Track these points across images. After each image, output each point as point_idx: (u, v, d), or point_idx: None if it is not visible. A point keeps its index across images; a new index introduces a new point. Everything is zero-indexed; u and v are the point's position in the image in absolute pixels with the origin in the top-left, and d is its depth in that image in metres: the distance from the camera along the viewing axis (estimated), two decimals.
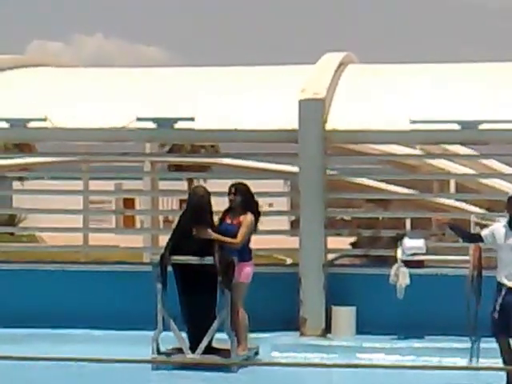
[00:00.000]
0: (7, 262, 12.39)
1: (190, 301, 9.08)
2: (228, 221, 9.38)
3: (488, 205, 12.78)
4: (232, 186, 9.49)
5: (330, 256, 11.69)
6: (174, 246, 9.19)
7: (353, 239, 19.99)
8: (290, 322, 10.13)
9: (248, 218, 9.30)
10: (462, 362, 9.08)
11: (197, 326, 9.09)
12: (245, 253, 9.35)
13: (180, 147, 19.66)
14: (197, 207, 9.12)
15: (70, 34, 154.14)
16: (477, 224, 10.10)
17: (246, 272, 9.30)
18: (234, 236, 9.22)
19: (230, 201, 9.44)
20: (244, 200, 9.35)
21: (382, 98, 11.10)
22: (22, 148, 14.48)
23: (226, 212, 9.47)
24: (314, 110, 10.35)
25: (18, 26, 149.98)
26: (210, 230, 9.10)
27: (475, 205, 12.76)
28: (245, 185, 9.53)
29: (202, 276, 9.05)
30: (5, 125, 10.92)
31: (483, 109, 10.49)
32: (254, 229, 9.39)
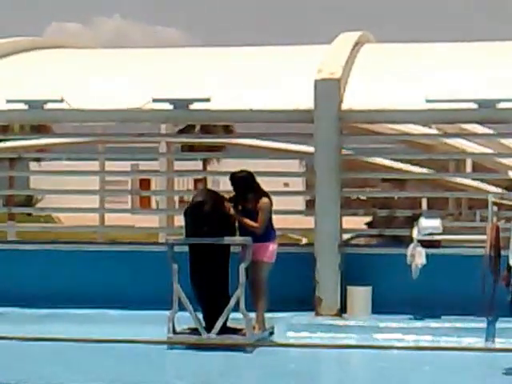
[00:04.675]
0: (24, 242, 12.47)
1: (202, 280, 9.11)
2: (247, 205, 9.38)
3: (506, 184, 12.72)
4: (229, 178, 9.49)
5: (346, 236, 11.68)
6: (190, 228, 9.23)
7: (368, 219, 19.97)
8: (306, 301, 10.13)
9: (263, 201, 9.31)
10: (479, 341, 9.07)
11: (210, 306, 9.11)
12: (267, 232, 9.36)
13: (193, 127, 19.63)
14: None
15: (88, 16, 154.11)
16: (495, 204, 10.04)
17: (269, 251, 9.32)
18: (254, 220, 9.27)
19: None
20: (246, 188, 9.34)
21: (398, 77, 11.03)
22: (39, 129, 14.51)
23: (240, 197, 9.46)
24: (329, 89, 10.30)
25: (37, 8, 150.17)
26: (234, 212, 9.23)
27: (493, 184, 12.69)
28: (234, 174, 9.46)
29: (212, 255, 9.08)
30: (22, 106, 10.94)
31: (501, 87, 10.40)
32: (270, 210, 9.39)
